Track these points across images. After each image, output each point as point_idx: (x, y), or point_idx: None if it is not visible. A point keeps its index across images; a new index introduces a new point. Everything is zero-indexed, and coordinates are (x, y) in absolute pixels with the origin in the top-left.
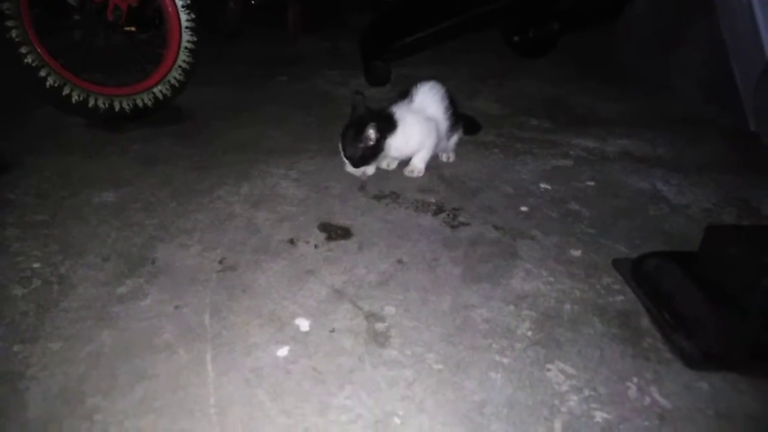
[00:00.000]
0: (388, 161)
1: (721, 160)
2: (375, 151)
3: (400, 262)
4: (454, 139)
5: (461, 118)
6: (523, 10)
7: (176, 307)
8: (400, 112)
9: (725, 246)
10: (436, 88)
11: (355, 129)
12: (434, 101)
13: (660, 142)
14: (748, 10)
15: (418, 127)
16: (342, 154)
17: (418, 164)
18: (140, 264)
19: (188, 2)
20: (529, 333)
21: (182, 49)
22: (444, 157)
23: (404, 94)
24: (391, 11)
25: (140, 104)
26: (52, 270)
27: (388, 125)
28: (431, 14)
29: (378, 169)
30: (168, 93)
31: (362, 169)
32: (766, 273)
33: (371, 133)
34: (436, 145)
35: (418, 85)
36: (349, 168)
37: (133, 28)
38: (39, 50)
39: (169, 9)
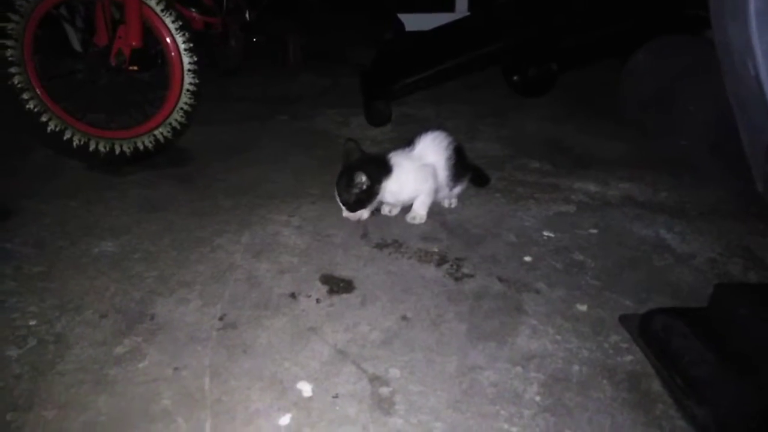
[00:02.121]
0: (389, 208)
1: (723, 206)
2: (369, 196)
3: (404, 318)
4: (458, 189)
5: (468, 169)
6: (523, 50)
7: (175, 369)
8: (396, 158)
9: (735, 306)
10: (440, 138)
11: (347, 176)
12: (435, 150)
13: (662, 185)
14: (756, 81)
15: (414, 174)
16: (337, 199)
17: (420, 210)
18: (139, 321)
19: (191, 45)
20: (538, 398)
21: (184, 91)
22: (446, 203)
23: (409, 142)
24: (392, 51)
25: (141, 147)
26: (49, 328)
27: (383, 170)
28: (432, 54)
29: (380, 215)
30: (169, 135)
31: (357, 213)
32: None
33: (361, 178)
34: (437, 192)
35: (422, 134)
36: (345, 213)
37: (135, 67)
38: (41, 95)
39: (172, 52)
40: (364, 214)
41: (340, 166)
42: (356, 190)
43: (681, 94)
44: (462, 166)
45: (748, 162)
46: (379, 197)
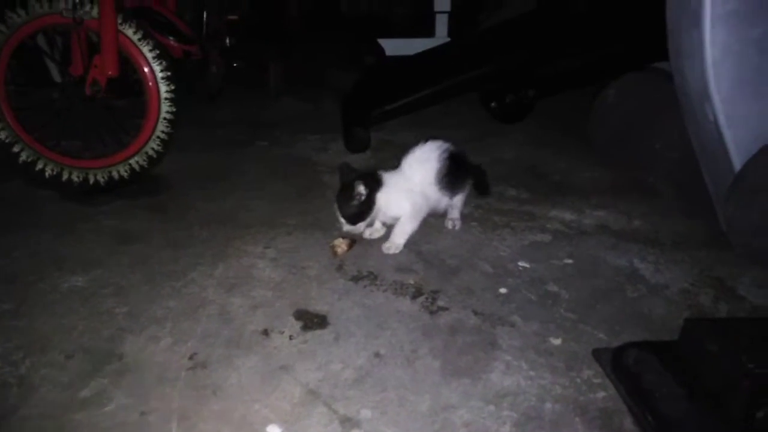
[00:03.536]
0: (370, 231)
1: (695, 235)
2: (368, 207)
3: (377, 355)
4: (460, 198)
5: (468, 176)
6: (500, 77)
7: (142, 413)
8: (386, 174)
9: (703, 342)
10: (428, 152)
11: (346, 189)
12: (422, 166)
13: (635, 213)
14: (715, 126)
15: (398, 193)
16: (338, 215)
17: (396, 239)
18: (106, 361)
19: (168, 74)
20: None
21: (161, 119)
22: (449, 224)
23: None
24: (372, 77)
25: (116, 176)
26: (12, 370)
27: (376, 183)
28: (411, 81)
29: (358, 245)
30: (145, 164)
31: (357, 226)
32: (746, 374)
33: (360, 188)
34: (428, 209)
35: (411, 149)
36: (346, 227)
37: (111, 95)
38: (13, 126)
39: (149, 81)
40: (362, 227)
41: (339, 185)
42: (355, 202)
43: (648, 132)
44: (458, 175)
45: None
46: (375, 210)
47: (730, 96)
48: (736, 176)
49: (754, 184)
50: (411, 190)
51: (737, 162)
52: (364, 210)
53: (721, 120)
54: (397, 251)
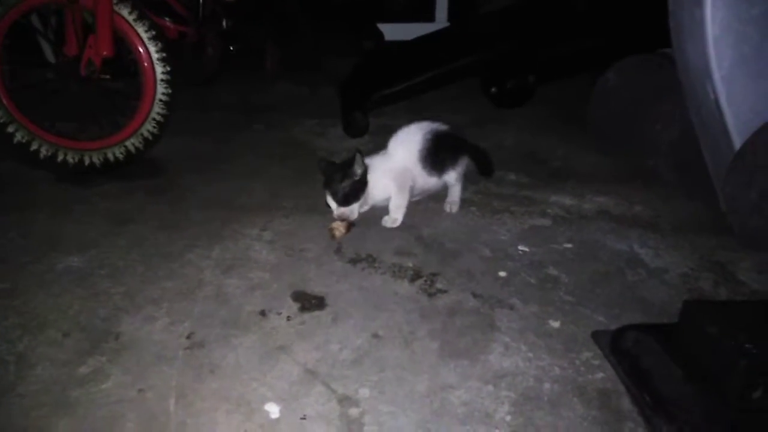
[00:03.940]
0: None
1: (695, 220)
2: (362, 186)
3: (375, 336)
4: (454, 178)
5: (459, 155)
6: (501, 62)
7: (140, 390)
8: (370, 158)
9: (702, 323)
10: (412, 133)
11: (342, 168)
12: (406, 148)
13: (636, 198)
14: (715, 104)
15: (381, 172)
16: (328, 198)
17: (393, 213)
18: (103, 339)
19: (164, 55)
20: (508, 418)
21: (156, 101)
22: (447, 207)
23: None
24: (371, 62)
25: (111, 158)
26: (10, 347)
27: (364, 165)
28: (411, 66)
29: (356, 228)
30: (141, 146)
31: (350, 208)
32: (743, 353)
33: (360, 161)
34: (419, 189)
35: (397, 131)
36: (338, 210)
37: (107, 75)
38: (8, 106)
39: (145, 62)
40: (354, 210)
41: (324, 178)
42: (351, 180)
43: (648, 114)
44: (444, 155)
45: (712, 181)
46: (366, 192)
47: (731, 74)
48: (736, 155)
49: (754, 162)
50: (392, 168)
51: (737, 140)
52: (357, 188)
53: (722, 98)
54: (395, 225)
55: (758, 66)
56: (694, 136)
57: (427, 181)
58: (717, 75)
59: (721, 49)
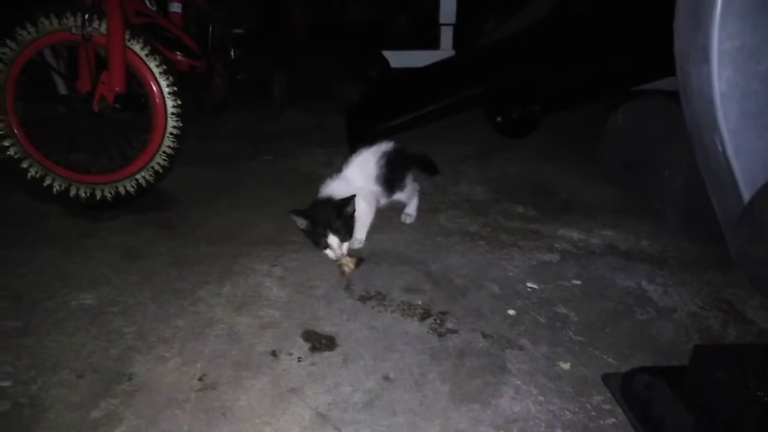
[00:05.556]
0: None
1: (703, 256)
2: (353, 220)
3: (386, 378)
4: (408, 191)
5: (408, 167)
6: (506, 92)
7: None
8: (326, 185)
9: (712, 369)
10: (366, 160)
11: (336, 207)
12: (362, 173)
13: (643, 233)
14: (723, 156)
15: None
16: (329, 241)
17: (359, 234)
18: (116, 381)
19: (175, 89)
20: None
21: (167, 134)
22: (404, 218)
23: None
24: (376, 93)
25: (122, 191)
26: (24, 389)
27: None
28: (416, 97)
29: (365, 264)
30: (151, 179)
31: (346, 245)
32: (754, 400)
33: (353, 200)
34: (378, 207)
35: (349, 159)
36: (338, 250)
37: (119, 107)
38: (23, 142)
39: (156, 96)
40: (353, 242)
41: (308, 222)
42: (347, 216)
43: (657, 159)
44: (399, 173)
45: (720, 227)
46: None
47: (738, 128)
48: (745, 208)
49: (763, 217)
50: (361, 188)
51: (746, 192)
52: (352, 224)
53: (729, 151)
54: (359, 246)
55: (765, 121)
56: (701, 184)
57: (379, 200)
58: (724, 129)
59: (728, 104)
